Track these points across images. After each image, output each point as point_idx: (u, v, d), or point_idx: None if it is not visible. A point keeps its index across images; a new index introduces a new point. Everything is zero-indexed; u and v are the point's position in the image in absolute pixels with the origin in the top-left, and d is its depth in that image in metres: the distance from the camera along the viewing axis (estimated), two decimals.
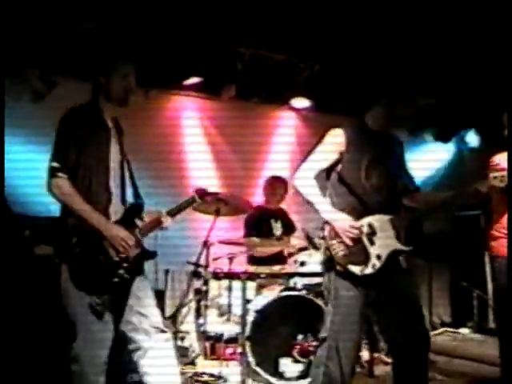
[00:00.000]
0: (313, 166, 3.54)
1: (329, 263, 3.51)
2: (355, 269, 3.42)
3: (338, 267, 3.44)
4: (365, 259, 3.43)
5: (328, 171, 3.59)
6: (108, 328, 3.30)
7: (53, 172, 3.19)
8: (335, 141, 3.53)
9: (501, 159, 4.17)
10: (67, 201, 3.21)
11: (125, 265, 3.27)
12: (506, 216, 4.16)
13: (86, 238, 3.24)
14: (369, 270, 3.42)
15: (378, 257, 3.44)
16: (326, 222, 3.50)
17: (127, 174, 3.44)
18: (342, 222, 3.43)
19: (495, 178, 3.37)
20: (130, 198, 3.42)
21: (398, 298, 3.49)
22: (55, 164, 3.19)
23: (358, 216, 3.47)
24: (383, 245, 3.47)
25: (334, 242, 3.44)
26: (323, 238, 3.54)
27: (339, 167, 3.55)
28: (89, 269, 3.24)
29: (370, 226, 3.47)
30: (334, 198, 3.54)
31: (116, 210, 3.33)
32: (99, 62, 3.54)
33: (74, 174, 3.22)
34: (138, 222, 3.39)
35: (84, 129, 3.26)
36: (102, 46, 5.71)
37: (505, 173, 3.37)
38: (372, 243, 3.46)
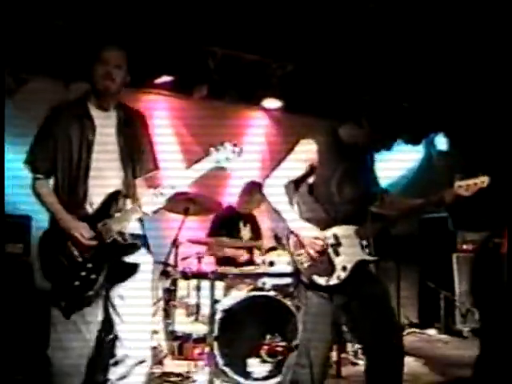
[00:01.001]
0: (283, 175, 3.50)
1: (296, 273, 3.51)
2: (320, 280, 3.41)
3: (304, 278, 3.44)
4: (330, 270, 3.42)
5: (297, 182, 3.56)
6: (79, 335, 3.25)
7: (32, 174, 3.30)
8: (306, 152, 3.48)
9: None
10: (43, 203, 3.28)
11: (89, 265, 3.20)
12: None
13: (52, 239, 3.24)
14: (334, 281, 3.41)
15: (344, 268, 3.43)
16: (292, 232, 3.49)
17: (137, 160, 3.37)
18: (308, 232, 3.41)
19: (460, 187, 3.40)
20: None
21: (370, 303, 3.48)
22: (32, 165, 3.30)
23: (325, 227, 3.45)
24: (349, 255, 3.46)
25: (299, 252, 3.44)
26: (288, 249, 3.53)
27: (311, 179, 3.51)
28: (52, 272, 3.23)
29: (335, 236, 3.46)
30: (302, 208, 3.51)
31: (95, 201, 3.26)
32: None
33: (51, 170, 3.27)
34: (114, 213, 3.24)
35: (62, 124, 3.27)
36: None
37: (470, 181, 3.39)
38: (337, 254, 3.44)
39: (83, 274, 3.19)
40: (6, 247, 5.17)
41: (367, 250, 3.52)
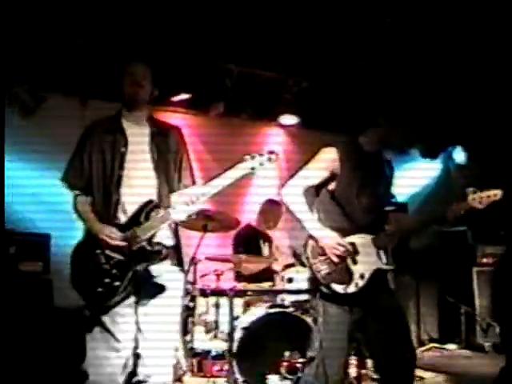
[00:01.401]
0: (302, 182, 3.56)
1: (313, 282, 3.54)
2: (338, 287, 3.44)
3: (322, 286, 3.47)
4: (348, 278, 3.46)
5: (317, 188, 3.61)
6: (110, 345, 3.26)
7: (70, 191, 3.44)
8: (328, 159, 3.55)
9: None
10: (79, 215, 3.40)
11: (113, 271, 3.23)
12: None
13: (83, 249, 3.32)
14: (352, 289, 3.44)
15: (362, 276, 3.47)
16: (310, 237, 3.52)
17: (172, 172, 3.43)
18: (329, 239, 3.46)
19: (474, 199, 3.44)
20: None
21: (385, 316, 3.51)
22: (68, 182, 3.44)
23: (343, 234, 3.49)
24: (366, 264, 3.50)
25: (317, 260, 3.47)
26: (306, 256, 3.56)
27: (332, 185, 3.57)
28: (78, 279, 3.29)
29: (353, 245, 3.49)
30: (322, 215, 3.56)
31: (129, 210, 3.31)
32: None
33: (88, 186, 3.38)
34: (144, 221, 3.27)
35: (96, 140, 3.38)
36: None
37: (483, 194, 3.42)
38: (355, 262, 3.48)
39: (107, 280, 3.23)
40: (25, 265, 5.24)
41: (384, 260, 3.56)
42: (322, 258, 3.47)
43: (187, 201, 3.22)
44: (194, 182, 3.49)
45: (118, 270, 3.24)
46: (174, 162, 3.46)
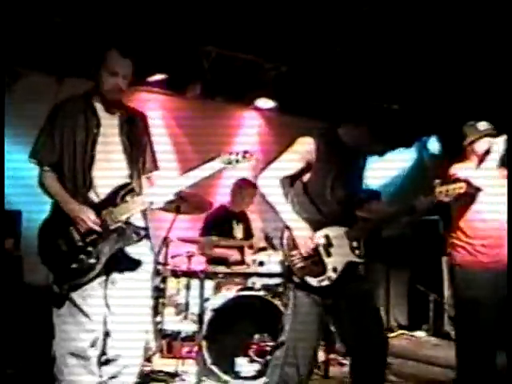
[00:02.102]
0: (277, 173, 3.53)
1: (287, 273, 3.54)
2: (312, 280, 3.45)
3: (296, 278, 3.47)
4: (321, 271, 3.46)
5: (292, 179, 3.59)
6: (79, 322, 3.27)
7: (39, 167, 3.41)
8: (304, 149, 3.53)
9: (458, 169, 4.30)
10: (48, 193, 3.39)
11: (89, 249, 3.25)
12: (463, 223, 4.31)
13: (53, 225, 3.33)
14: (325, 282, 3.45)
15: (334, 269, 3.47)
16: (286, 227, 3.51)
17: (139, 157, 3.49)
18: (302, 230, 3.45)
19: (440, 192, 3.47)
20: None
21: (356, 303, 3.53)
22: (38, 158, 3.40)
23: (317, 226, 3.49)
24: (339, 257, 3.50)
25: (293, 253, 3.47)
26: (281, 247, 3.55)
27: (306, 177, 3.56)
28: (50, 256, 3.30)
29: (327, 237, 3.50)
30: (296, 207, 3.54)
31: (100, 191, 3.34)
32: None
33: (57, 163, 3.36)
34: (120, 203, 3.32)
35: (67, 118, 3.38)
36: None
37: (450, 186, 3.47)
38: (328, 255, 3.49)
39: (82, 257, 3.24)
40: None
41: (357, 252, 3.56)
42: (297, 251, 3.46)
43: (162, 185, 3.36)
44: (156, 167, 3.57)
45: (94, 247, 3.25)
46: (140, 148, 3.51)
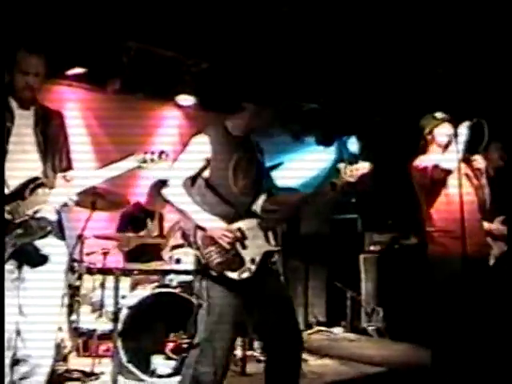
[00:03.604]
0: (179, 175, 3.57)
1: (203, 270, 3.53)
2: (232, 274, 3.46)
3: (214, 274, 3.47)
4: (240, 264, 3.48)
5: (193, 178, 3.62)
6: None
7: None
8: (200, 148, 3.56)
9: (422, 160, 4.44)
10: None
11: None
12: (433, 211, 4.40)
13: None
14: (246, 274, 3.48)
15: (252, 260, 3.51)
16: (198, 228, 3.52)
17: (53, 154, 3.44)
18: (217, 227, 3.47)
19: (345, 173, 3.54)
20: None
21: (271, 299, 3.57)
22: None
23: (228, 221, 3.52)
24: (255, 248, 3.55)
25: (208, 250, 3.47)
26: (196, 246, 3.55)
27: (206, 173, 3.59)
28: None
29: (240, 230, 3.52)
30: (204, 206, 3.55)
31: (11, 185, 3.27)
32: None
33: None
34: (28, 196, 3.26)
35: None
36: None
37: (353, 167, 3.54)
38: (244, 247, 3.52)
39: None
40: None
41: (272, 241, 3.63)
42: (213, 247, 3.47)
43: (71, 184, 3.28)
44: (69, 166, 3.52)
45: None
46: (55, 146, 3.47)
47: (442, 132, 4.43)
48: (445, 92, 6.50)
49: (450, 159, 4.21)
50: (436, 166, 4.28)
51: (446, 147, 4.37)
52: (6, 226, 3.19)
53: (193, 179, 3.61)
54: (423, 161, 4.42)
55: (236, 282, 3.46)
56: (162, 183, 6.00)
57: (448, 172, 4.25)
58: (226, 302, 3.48)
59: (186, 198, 3.53)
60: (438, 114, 4.49)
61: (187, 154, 3.59)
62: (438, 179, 4.31)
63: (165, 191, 3.58)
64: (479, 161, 4.53)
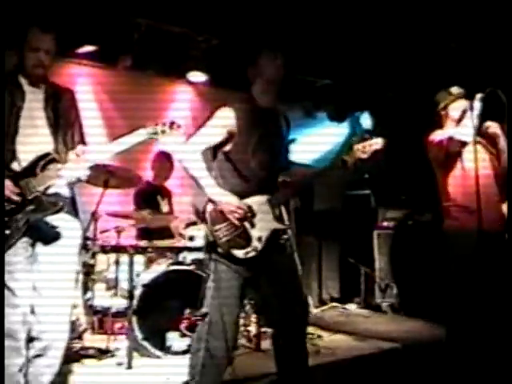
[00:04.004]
0: (201, 141, 3.51)
1: (210, 245, 3.52)
2: (238, 253, 3.45)
3: (221, 251, 3.46)
4: (246, 242, 3.47)
5: (214, 151, 3.58)
6: (9, 301, 3.20)
7: None
8: (224, 119, 3.53)
9: (436, 134, 4.40)
10: None
11: (4, 219, 3.18)
12: (449, 186, 4.36)
13: None
14: (251, 253, 3.46)
15: (259, 238, 3.49)
16: (210, 202, 3.50)
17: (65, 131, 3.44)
18: (229, 202, 3.44)
19: (358, 149, 3.54)
20: None
21: (276, 278, 3.56)
22: None
23: (241, 196, 3.49)
24: (263, 226, 3.52)
25: (218, 226, 3.45)
26: (204, 221, 3.53)
27: (228, 147, 3.55)
28: None
29: (250, 208, 3.49)
30: (219, 179, 3.54)
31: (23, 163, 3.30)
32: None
33: None
34: (40, 172, 3.28)
35: None
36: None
37: (367, 143, 3.54)
38: (252, 225, 3.49)
39: None
40: None
41: (280, 219, 3.63)
42: (222, 224, 3.45)
43: (83, 159, 3.29)
44: (82, 142, 3.52)
45: (10, 217, 3.19)
46: (67, 122, 3.48)
47: (457, 107, 4.37)
48: (459, 66, 6.42)
49: (464, 131, 4.16)
50: (451, 139, 4.23)
51: (459, 121, 4.31)
52: (14, 206, 3.20)
53: (214, 153, 3.58)
54: (438, 135, 4.38)
55: (242, 260, 3.45)
56: (161, 155, 6.09)
57: (463, 144, 4.20)
58: (232, 279, 3.48)
59: (201, 166, 3.49)
60: (453, 89, 4.43)
61: (209, 125, 3.55)
62: (453, 152, 4.27)
63: (181, 155, 3.53)
64: (493, 126, 4.44)
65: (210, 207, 3.50)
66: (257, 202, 3.52)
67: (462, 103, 4.32)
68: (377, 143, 3.54)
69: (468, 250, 4.03)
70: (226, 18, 6.23)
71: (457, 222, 4.28)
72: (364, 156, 3.53)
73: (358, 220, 8.28)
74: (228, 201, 3.44)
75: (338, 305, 8.04)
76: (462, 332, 4.16)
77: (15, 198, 3.19)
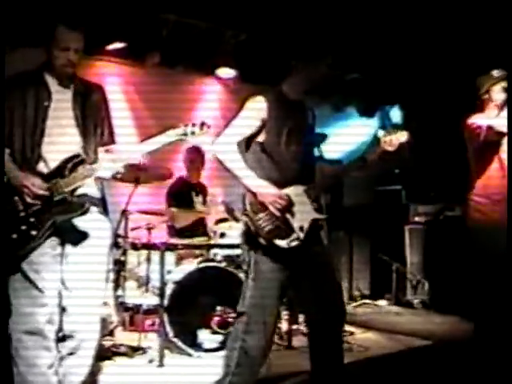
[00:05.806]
0: (235, 132, 3.47)
1: (251, 238, 3.47)
2: (281, 242, 3.40)
3: (263, 242, 3.41)
4: (289, 232, 3.43)
5: (247, 142, 3.54)
6: (33, 297, 3.20)
7: None
8: (257, 108, 3.49)
9: (477, 118, 4.31)
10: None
11: (31, 220, 3.17)
12: (480, 180, 4.29)
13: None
14: (295, 243, 3.42)
15: (301, 228, 3.45)
16: (249, 192, 3.46)
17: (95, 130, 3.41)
18: (267, 191, 3.41)
19: (385, 142, 3.50)
20: None
21: (316, 271, 3.52)
22: None
23: (279, 187, 3.45)
24: (303, 215, 3.48)
25: (258, 217, 3.41)
26: (245, 212, 3.48)
27: (261, 137, 3.51)
28: None
29: (288, 197, 3.45)
30: (257, 171, 3.48)
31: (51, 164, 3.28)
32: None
33: (8, 138, 3.25)
34: (68, 174, 3.25)
35: (17, 93, 3.29)
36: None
37: (393, 135, 3.49)
38: (292, 215, 3.45)
39: (23, 228, 3.16)
40: None
41: (318, 209, 3.57)
42: (263, 214, 3.41)
43: (114, 158, 3.28)
44: (112, 141, 3.49)
45: (37, 218, 3.18)
46: (96, 120, 3.44)
47: (500, 92, 4.26)
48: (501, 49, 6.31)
49: (505, 122, 4.07)
50: (490, 128, 4.13)
51: (502, 107, 4.22)
52: (43, 203, 3.19)
53: (247, 144, 3.54)
54: (478, 118, 4.28)
55: (284, 250, 3.41)
56: (193, 150, 6.08)
57: (502, 135, 4.11)
58: (273, 271, 3.43)
59: (238, 157, 3.45)
60: (495, 72, 4.32)
61: (242, 115, 3.50)
62: (491, 141, 4.17)
63: (216, 148, 3.46)
64: None
65: (249, 198, 3.46)
66: (294, 191, 3.48)
67: (505, 86, 4.22)
68: (402, 136, 3.50)
69: (497, 247, 3.96)
70: (253, 12, 6.20)
71: (481, 214, 4.22)
72: (390, 149, 3.50)
73: (388, 215, 8.21)
74: (268, 191, 3.40)
75: (369, 301, 7.98)
76: (490, 329, 4.10)
77: (43, 192, 3.16)
